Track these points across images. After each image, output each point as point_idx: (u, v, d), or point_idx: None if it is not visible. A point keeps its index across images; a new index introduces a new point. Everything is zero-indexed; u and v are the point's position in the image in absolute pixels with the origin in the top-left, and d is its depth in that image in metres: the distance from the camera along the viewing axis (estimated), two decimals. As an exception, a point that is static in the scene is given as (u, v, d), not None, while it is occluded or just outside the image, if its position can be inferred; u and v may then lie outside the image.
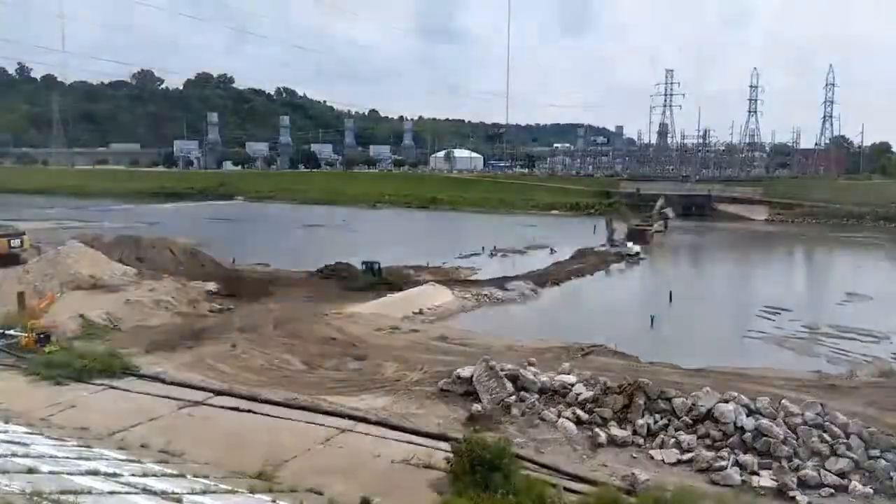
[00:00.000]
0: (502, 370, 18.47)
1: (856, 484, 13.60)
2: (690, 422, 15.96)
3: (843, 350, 27.31)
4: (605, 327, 29.11)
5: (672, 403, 16.54)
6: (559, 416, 17.00)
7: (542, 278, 40.82)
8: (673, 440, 15.61)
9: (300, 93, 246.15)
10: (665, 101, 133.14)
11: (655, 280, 46.68)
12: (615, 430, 16.13)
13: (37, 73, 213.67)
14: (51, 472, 9.65)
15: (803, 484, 13.79)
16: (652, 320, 30.94)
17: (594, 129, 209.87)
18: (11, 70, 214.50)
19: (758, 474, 14.20)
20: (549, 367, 20.01)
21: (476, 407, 17.47)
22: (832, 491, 13.56)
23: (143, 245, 42.48)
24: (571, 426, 16.54)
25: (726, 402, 16.63)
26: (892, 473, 13.74)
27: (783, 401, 16.46)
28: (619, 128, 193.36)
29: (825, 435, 14.95)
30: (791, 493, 13.51)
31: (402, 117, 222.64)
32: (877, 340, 28.69)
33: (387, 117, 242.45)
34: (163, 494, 9.48)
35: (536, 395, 17.81)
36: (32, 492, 8.12)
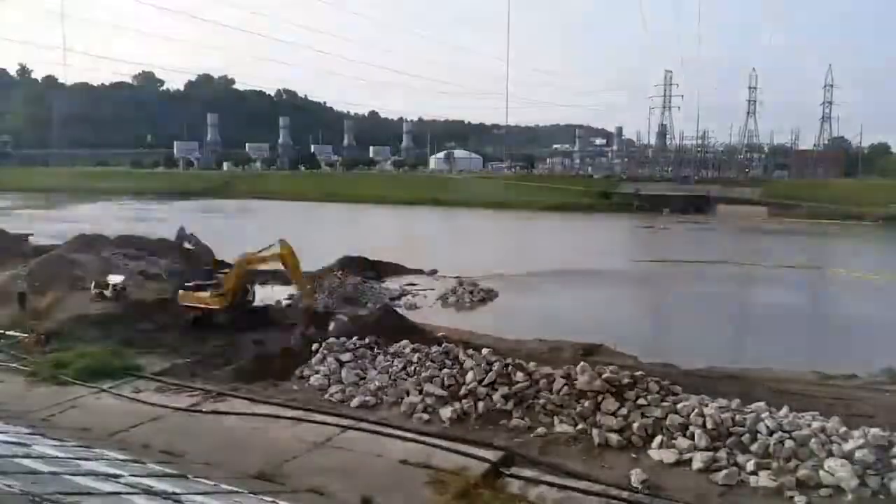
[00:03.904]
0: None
1: (854, 484, 13.63)
2: (686, 423, 16.02)
3: (844, 350, 27.31)
4: (605, 327, 29.14)
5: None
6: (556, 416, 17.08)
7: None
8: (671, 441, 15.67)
9: (300, 94, 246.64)
10: (664, 101, 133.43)
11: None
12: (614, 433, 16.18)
13: (38, 74, 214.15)
14: (52, 473, 9.68)
15: (802, 484, 13.84)
16: (651, 320, 31.10)
17: (594, 129, 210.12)
18: (12, 71, 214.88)
19: (757, 475, 14.24)
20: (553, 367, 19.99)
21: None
22: (831, 491, 13.60)
23: (144, 245, 42.58)
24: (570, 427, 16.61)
25: (724, 404, 16.77)
26: (888, 475, 13.79)
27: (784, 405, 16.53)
28: (619, 129, 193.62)
29: (823, 436, 15.01)
30: (789, 494, 13.56)
31: (401, 118, 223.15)
32: (879, 340, 28.70)
33: (386, 118, 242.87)
34: (164, 495, 9.51)
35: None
36: (34, 493, 8.14)
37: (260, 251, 26.89)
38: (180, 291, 27.51)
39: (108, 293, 29.68)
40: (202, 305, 26.54)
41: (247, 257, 27.11)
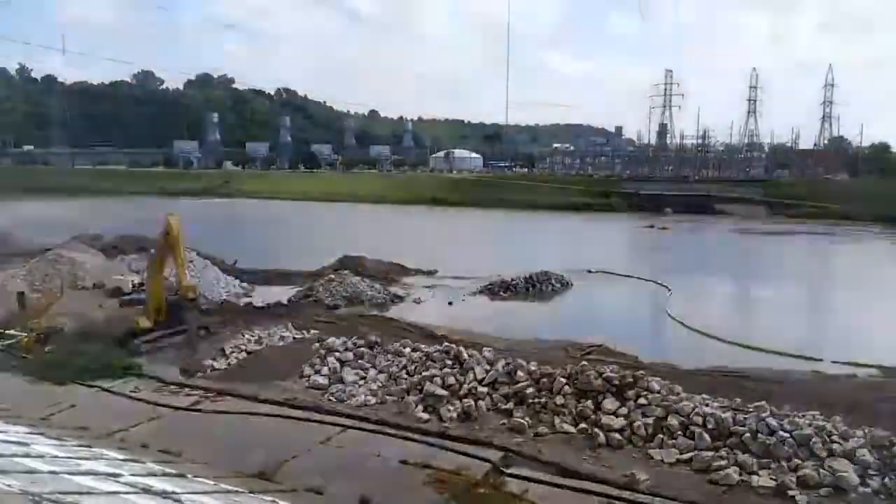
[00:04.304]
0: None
1: (855, 484, 13.61)
2: (687, 423, 16.00)
3: (844, 350, 27.26)
4: (602, 327, 29.14)
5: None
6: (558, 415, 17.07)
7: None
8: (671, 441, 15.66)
9: (300, 93, 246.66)
10: (664, 101, 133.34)
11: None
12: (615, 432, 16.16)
13: (37, 74, 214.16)
14: (51, 473, 9.64)
15: (802, 484, 13.82)
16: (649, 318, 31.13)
17: (594, 129, 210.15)
18: (12, 70, 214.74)
19: (757, 474, 14.23)
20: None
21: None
22: (831, 490, 13.58)
23: (146, 245, 42.49)
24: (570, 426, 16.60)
25: (724, 404, 16.77)
26: (888, 475, 13.77)
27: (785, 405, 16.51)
28: (619, 128, 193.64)
29: (823, 436, 14.99)
30: (790, 493, 13.54)
31: (401, 118, 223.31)
32: (880, 340, 28.65)
33: (386, 118, 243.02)
34: (163, 494, 9.48)
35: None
36: (33, 492, 8.11)
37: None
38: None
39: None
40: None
41: (152, 263, 23.78)
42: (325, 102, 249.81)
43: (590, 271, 43.42)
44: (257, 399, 18.53)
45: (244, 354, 22.97)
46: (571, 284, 39.32)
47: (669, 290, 37.72)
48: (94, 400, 18.58)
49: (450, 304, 34.32)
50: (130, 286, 30.32)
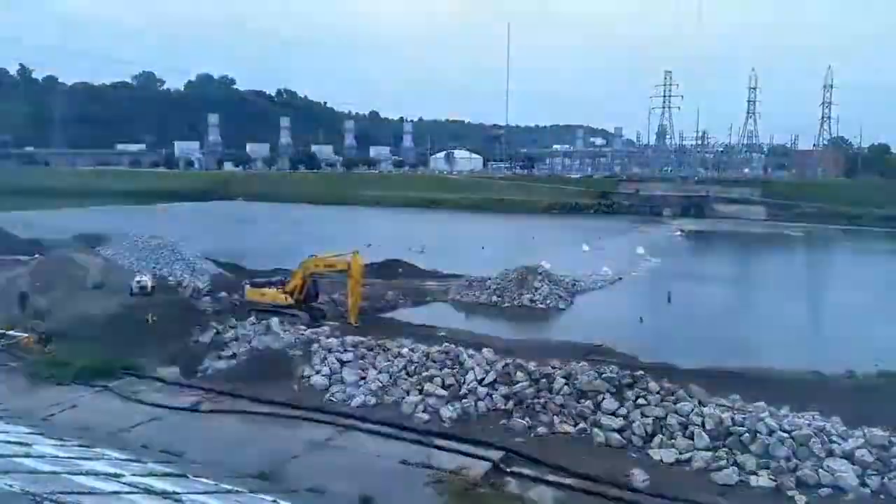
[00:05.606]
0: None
1: (853, 484, 13.65)
2: (686, 423, 16.04)
3: (843, 350, 27.28)
4: (602, 327, 29.13)
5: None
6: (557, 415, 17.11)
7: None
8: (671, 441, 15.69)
9: (301, 94, 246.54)
10: (664, 102, 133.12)
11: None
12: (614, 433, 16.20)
13: (38, 74, 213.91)
14: (52, 473, 9.68)
15: (801, 484, 13.85)
16: (641, 320, 31.24)
17: (593, 130, 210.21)
18: (13, 71, 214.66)
19: (756, 474, 14.26)
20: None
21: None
22: (830, 491, 13.62)
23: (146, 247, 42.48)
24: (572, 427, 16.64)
25: (724, 404, 16.82)
26: (887, 475, 13.80)
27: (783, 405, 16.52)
28: (619, 129, 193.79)
29: (822, 436, 15.02)
30: (789, 493, 13.58)
31: (402, 118, 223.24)
32: (875, 341, 28.65)
33: (387, 119, 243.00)
34: (164, 494, 9.51)
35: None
36: (34, 492, 8.15)
37: None
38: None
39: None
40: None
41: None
42: (325, 103, 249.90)
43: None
44: (258, 399, 18.55)
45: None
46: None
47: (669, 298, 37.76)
48: (96, 400, 18.61)
49: None
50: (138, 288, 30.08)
